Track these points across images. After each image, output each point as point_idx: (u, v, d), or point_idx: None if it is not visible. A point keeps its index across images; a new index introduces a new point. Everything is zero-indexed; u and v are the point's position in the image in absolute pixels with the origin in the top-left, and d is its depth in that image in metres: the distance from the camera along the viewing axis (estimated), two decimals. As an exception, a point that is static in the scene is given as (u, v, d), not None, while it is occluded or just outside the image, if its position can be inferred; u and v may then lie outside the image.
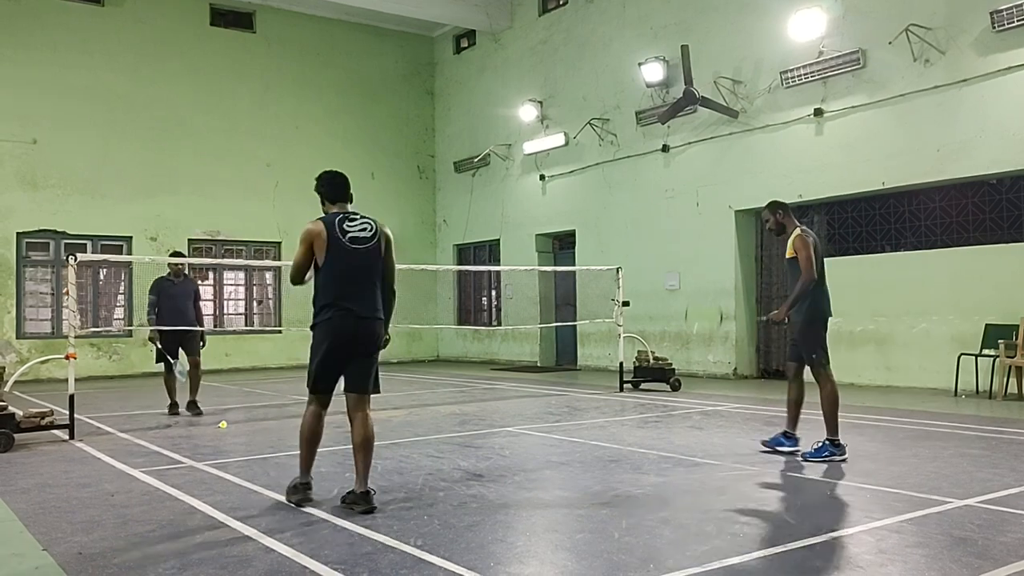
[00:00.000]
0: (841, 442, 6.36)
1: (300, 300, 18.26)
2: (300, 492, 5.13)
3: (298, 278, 5.15)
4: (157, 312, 9.51)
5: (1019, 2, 10.25)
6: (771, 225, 6.82)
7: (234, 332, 17.91)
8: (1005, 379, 10.29)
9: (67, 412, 8.05)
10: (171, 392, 9.82)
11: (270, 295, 18.89)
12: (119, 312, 17.01)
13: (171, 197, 17.14)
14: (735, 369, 13.93)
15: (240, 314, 18.49)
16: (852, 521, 4.59)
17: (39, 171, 15.93)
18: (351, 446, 5.10)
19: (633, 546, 4.18)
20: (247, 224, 18.09)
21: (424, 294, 19.87)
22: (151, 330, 9.60)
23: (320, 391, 5.16)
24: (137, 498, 5.44)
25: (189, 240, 17.43)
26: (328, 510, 4.97)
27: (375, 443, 5.17)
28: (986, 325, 10.65)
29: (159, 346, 9.56)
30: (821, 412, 6.41)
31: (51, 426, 7.83)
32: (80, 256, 8.35)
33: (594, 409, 10.07)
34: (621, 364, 12.36)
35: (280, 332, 17.67)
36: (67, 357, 8.09)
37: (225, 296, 18.29)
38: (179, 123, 17.39)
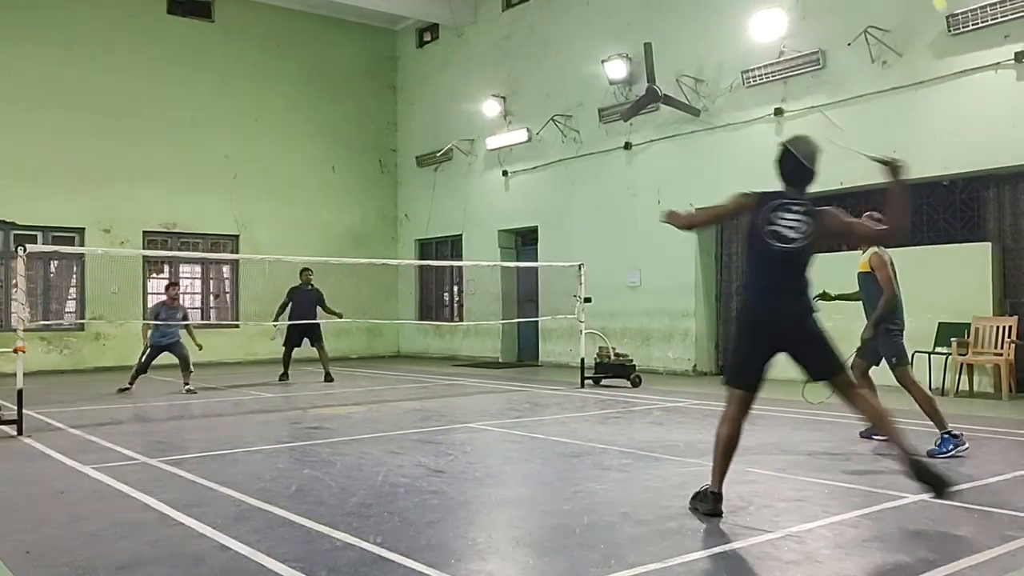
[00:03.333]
0: (957, 433, 6.38)
1: (257, 295, 17.93)
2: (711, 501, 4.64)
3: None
4: (289, 312, 13.02)
5: (974, 6, 10.46)
6: None
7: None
8: (957, 376, 10.51)
9: (15, 407, 7.84)
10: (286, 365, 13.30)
11: (227, 289, 18.60)
12: (71, 305, 16.61)
13: (126, 188, 16.76)
14: (695, 366, 14.04)
15: (196, 308, 18.17)
16: (810, 516, 4.63)
17: (-12, 160, 15.50)
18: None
19: (594, 542, 4.17)
20: (204, 217, 17.77)
21: (385, 289, 19.75)
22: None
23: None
24: (87, 496, 5.31)
25: (144, 232, 17.07)
26: (286, 507, 4.89)
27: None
28: (939, 323, 10.85)
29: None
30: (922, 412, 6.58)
31: (-2, 422, 7.62)
32: (30, 247, 8.11)
33: (556, 405, 10.08)
34: (583, 360, 12.39)
35: (237, 327, 17.40)
36: (15, 351, 7.87)
37: (181, 290, 17.94)
38: (134, 113, 17.02)
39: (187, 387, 11.51)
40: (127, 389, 11.51)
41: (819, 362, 4.59)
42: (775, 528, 4.38)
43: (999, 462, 6.19)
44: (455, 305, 19.83)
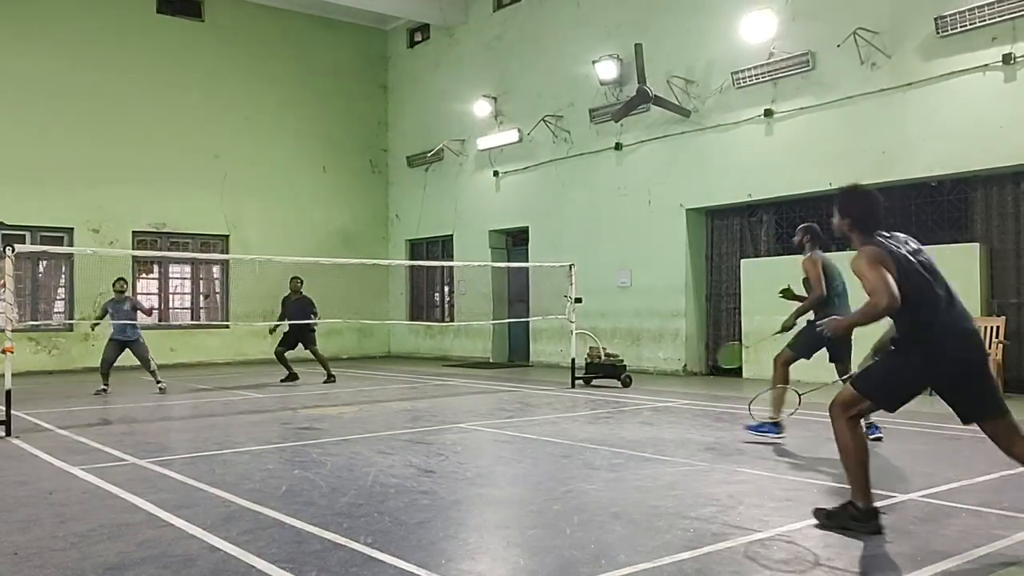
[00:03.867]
0: (783, 425, 7.12)
1: (247, 295, 17.93)
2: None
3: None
4: (281, 317, 13.30)
5: (962, 8, 10.52)
6: (797, 242, 7.68)
7: (179, 327, 17.54)
8: (945, 376, 10.56)
9: (3, 408, 7.80)
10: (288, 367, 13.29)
11: (217, 289, 18.54)
12: (59, 306, 16.53)
13: (115, 188, 16.69)
14: (685, 366, 14.07)
15: (186, 308, 18.13)
16: (800, 516, 4.65)
17: (-25, 159, 15.40)
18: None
19: (584, 542, 4.18)
20: (194, 216, 17.71)
21: (376, 289, 19.73)
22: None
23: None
24: (76, 496, 5.28)
25: (133, 232, 17.02)
26: (276, 508, 4.88)
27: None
28: (927, 324, 10.89)
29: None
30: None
31: (-14, 423, 7.58)
32: (18, 247, 8.08)
33: (546, 405, 10.09)
34: (573, 360, 12.41)
35: (227, 327, 17.35)
36: (4, 351, 7.83)
37: (171, 290, 17.91)
38: (124, 112, 16.94)
39: (159, 385, 11.50)
40: (104, 390, 11.41)
41: (978, 402, 4.27)
42: (764, 527, 4.40)
43: (987, 462, 6.21)
44: (446, 305, 19.81)
